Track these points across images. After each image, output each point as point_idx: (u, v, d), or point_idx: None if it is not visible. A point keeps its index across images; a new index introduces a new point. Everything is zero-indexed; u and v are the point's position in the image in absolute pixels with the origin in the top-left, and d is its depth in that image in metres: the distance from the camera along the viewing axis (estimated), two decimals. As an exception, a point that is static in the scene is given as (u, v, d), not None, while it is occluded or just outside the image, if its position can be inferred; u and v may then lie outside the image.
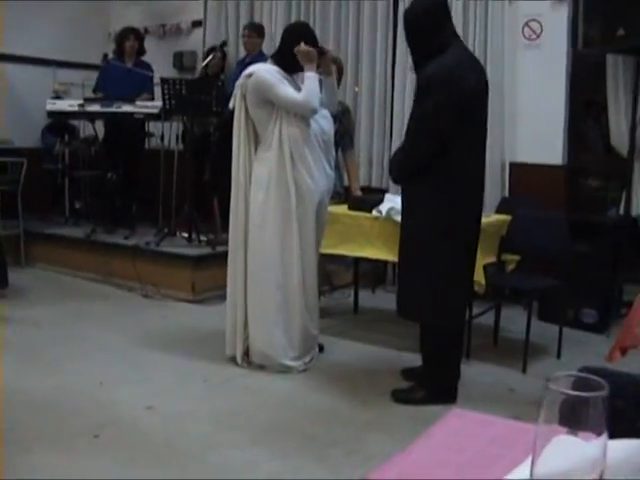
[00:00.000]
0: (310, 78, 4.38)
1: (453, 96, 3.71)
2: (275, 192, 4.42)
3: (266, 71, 4.45)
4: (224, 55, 7.59)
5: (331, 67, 4.67)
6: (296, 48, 4.36)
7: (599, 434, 0.98)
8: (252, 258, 4.51)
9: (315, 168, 4.48)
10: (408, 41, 4.00)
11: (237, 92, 4.50)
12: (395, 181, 4.32)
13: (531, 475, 0.96)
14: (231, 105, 4.58)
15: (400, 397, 4.07)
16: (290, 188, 4.41)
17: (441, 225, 3.85)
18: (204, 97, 6.37)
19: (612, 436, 1.10)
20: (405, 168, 4.00)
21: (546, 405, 1.00)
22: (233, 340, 4.61)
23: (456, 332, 4.11)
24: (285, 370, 4.48)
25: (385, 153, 7.11)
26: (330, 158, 4.65)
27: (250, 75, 4.42)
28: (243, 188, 4.53)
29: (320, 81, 4.48)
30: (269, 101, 4.40)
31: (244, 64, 7.12)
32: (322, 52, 4.47)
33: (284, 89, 4.38)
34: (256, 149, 4.54)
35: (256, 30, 7.40)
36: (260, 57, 6.98)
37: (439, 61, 3.75)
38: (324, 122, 4.59)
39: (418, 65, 3.91)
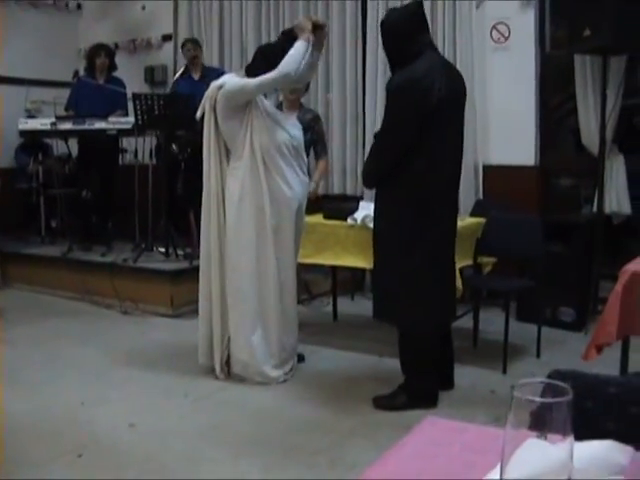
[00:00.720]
0: (296, 47, 4.39)
1: (418, 105, 3.79)
2: (249, 202, 4.44)
3: (232, 77, 4.53)
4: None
5: (323, 43, 4.69)
6: (295, 23, 4.54)
7: (565, 437, 1.00)
8: (229, 268, 4.52)
9: (289, 175, 4.52)
10: (384, 48, 4.09)
11: (206, 103, 4.50)
12: (366, 186, 4.37)
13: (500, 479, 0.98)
14: (199, 115, 4.59)
15: (381, 403, 4.08)
16: (264, 197, 4.43)
17: (411, 228, 3.90)
18: (176, 112, 6.36)
19: (582, 437, 1.12)
20: (373, 173, 4.10)
21: (513, 411, 1.02)
22: (208, 352, 4.61)
23: (432, 338, 4.13)
24: (265, 381, 4.48)
25: (359, 161, 7.12)
26: (302, 163, 4.67)
27: (221, 87, 4.44)
28: (215, 200, 4.54)
29: (308, 52, 4.45)
30: (240, 110, 4.41)
31: (194, 79, 7.13)
32: (321, 26, 4.52)
33: (255, 79, 4.38)
34: (228, 160, 4.55)
35: (198, 43, 7.49)
36: (214, 71, 6.97)
37: (406, 70, 3.85)
38: (292, 129, 4.62)
39: (394, 72, 4.02)
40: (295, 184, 4.54)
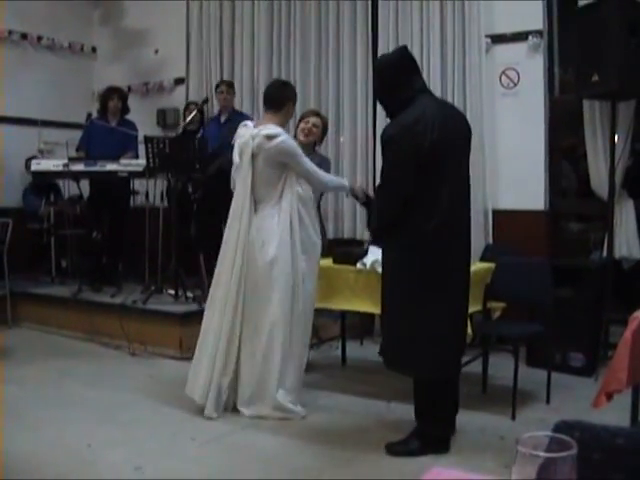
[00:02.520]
0: (340, 182, 5.09)
1: (410, 152, 3.77)
2: (285, 248, 4.57)
3: (290, 138, 4.69)
4: (202, 111, 7.70)
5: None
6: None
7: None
8: (259, 312, 4.61)
9: (316, 222, 4.75)
10: (378, 97, 4.07)
11: (246, 150, 4.60)
12: (376, 241, 4.34)
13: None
14: (236, 161, 4.69)
15: (395, 450, 4.02)
16: (296, 243, 4.58)
17: (424, 274, 3.88)
18: (187, 154, 6.42)
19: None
20: (379, 224, 4.09)
21: (518, 464, 1.02)
22: (203, 389, 4.64)
23: (447, 383, 4.11)
24: (290, 415, 4.58)
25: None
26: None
27: (270, 137, 4.53)
28: (242, 244, 4.61)
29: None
30: (284, 164, 4.57)
31: (220, 122, 7.23)
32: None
33: (308, 162, 4.67)
34: (255, 208, 4.68)
35: (232, 86, 7.54)
36: (240, 115, 7.09)
37: (398, 119, 3.87)
38: None
39: (391, 118, 4.02)
40: (319, 233, 4.75)
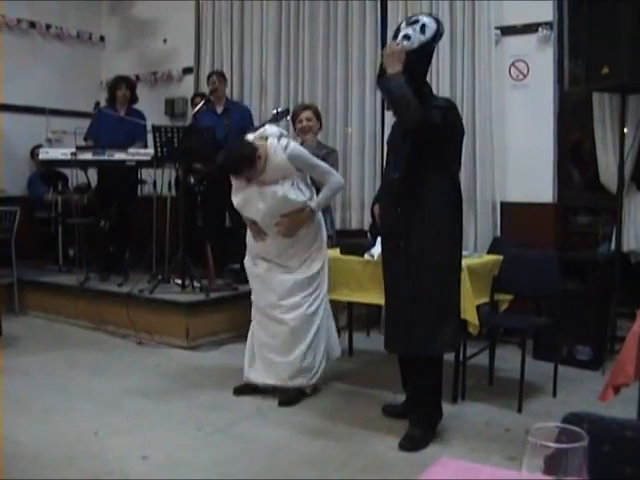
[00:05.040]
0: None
1: (461, 126, 4.08)
2: None
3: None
4: (208, 100, 7.69)
5: None
6: None
7: (581, 481, 0.99)
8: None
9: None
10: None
11: None
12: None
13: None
14: None
15: (406, 446, 3.98)
16: None
17: (455, 257, 4.02)
18: (195, 145, 6.41)
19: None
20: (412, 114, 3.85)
21: (528, 455, 1.01)
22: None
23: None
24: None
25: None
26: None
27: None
28: None
29: None
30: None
31: (217, 112, 7.22)
32: None
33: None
34: None
35: (224, 76, 7.53)
36: (235, 105, 7.14)
37: (441, 98, 4.19)
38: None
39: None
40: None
